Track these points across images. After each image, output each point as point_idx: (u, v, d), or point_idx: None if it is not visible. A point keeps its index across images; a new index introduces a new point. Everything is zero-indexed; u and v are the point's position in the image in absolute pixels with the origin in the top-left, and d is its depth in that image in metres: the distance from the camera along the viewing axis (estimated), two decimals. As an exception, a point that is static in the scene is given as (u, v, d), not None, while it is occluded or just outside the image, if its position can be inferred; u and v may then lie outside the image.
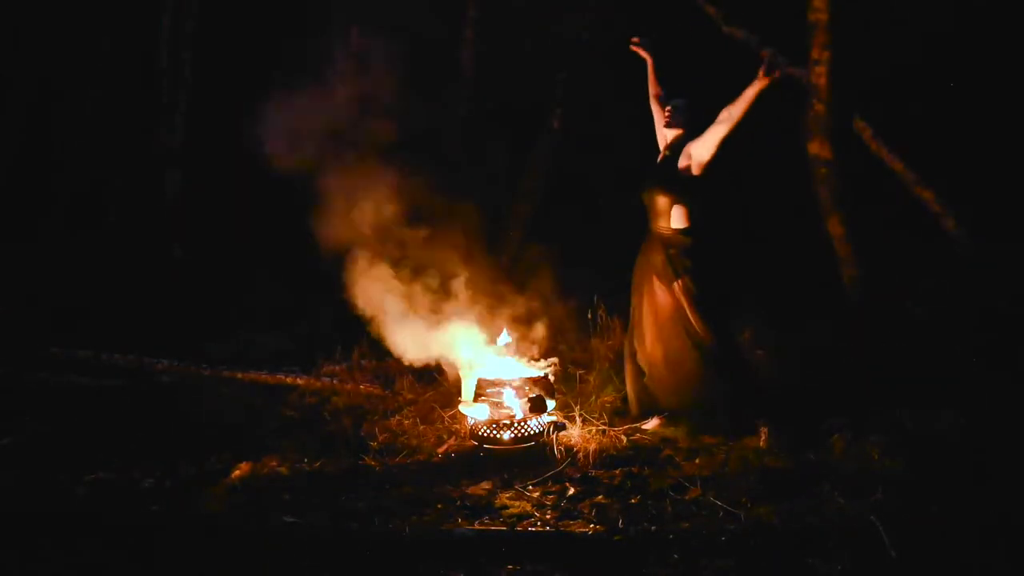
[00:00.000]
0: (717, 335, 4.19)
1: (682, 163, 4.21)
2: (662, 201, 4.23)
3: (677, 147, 4.30)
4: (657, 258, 4.28)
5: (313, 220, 5.78)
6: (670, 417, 4.31)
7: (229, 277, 8.30)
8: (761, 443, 4.01)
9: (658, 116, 4.50)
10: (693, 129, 4.25)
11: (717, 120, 4.10)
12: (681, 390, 4.28)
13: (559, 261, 6.84)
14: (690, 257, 4.19)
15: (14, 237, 8.49)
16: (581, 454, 4.07)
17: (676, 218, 4.22)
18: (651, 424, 4.33)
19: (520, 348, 4.78)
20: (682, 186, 4.21)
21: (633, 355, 4.46)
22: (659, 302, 4.28)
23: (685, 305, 4.18)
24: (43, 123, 9.32)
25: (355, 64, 9.25)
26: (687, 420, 4.25)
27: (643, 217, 4.41)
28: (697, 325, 4.17)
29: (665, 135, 4.41)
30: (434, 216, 5.50)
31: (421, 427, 4.54)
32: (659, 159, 4.43)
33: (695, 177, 4.18)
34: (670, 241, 4.24)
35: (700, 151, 4.14)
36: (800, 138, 7.33)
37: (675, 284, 4.20)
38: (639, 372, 4.44)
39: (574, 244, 7.92)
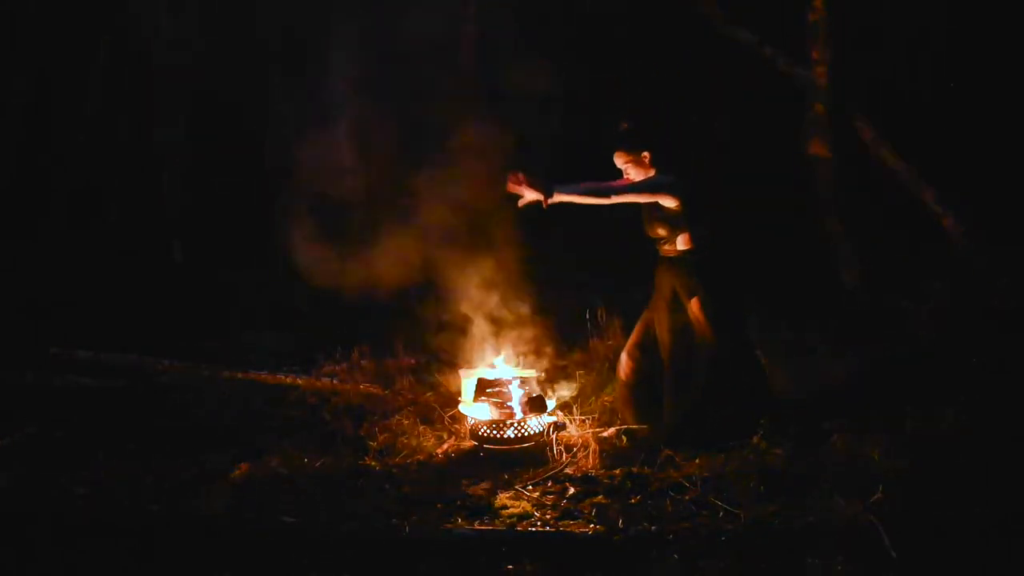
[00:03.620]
0: (733, 345, 4.17)
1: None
2: (664, 231, 4.21)
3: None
4: (667, 282, 4.27)
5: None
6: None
7: (229, 277, 8.30)
8: (761, 443, 4.01)
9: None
10: (660, 163, 4.22)
11: (617, 189, 4.08)
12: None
13: (558, 260, 6.85)
14: (700, 274, 4.17)
15: (14, 236, 8.50)
16: (581, 454, 4.07)
17: (681, 242, 4.20)
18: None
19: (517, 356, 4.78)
20: (674, 216, 4.18)
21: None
22: (672, 323, 4.25)
23: (701, 322, 4.14)
24: (43, 122, 9.32)
25: (356, 63, 9.27)
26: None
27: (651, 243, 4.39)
28: (712, 340, 4.13)
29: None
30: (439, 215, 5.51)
31: (421, 427, 4.54)
32: None
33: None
34: (678, 263, 4.22)
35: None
36: (800, 138, 7.35)
37: (690, 303, 4.18)
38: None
39: (574, 243, 7.93)
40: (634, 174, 4.24)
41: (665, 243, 4.26)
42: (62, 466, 4.01)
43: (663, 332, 4.27)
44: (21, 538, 3.25)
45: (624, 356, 4.45)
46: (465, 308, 5.09)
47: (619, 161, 4.25)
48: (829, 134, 7.11)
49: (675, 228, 4.18)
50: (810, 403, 4.52)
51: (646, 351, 4.38)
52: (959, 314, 5.87)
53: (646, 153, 4.20)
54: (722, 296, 4.17)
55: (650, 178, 4.16)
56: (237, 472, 3.94)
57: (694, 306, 4.15)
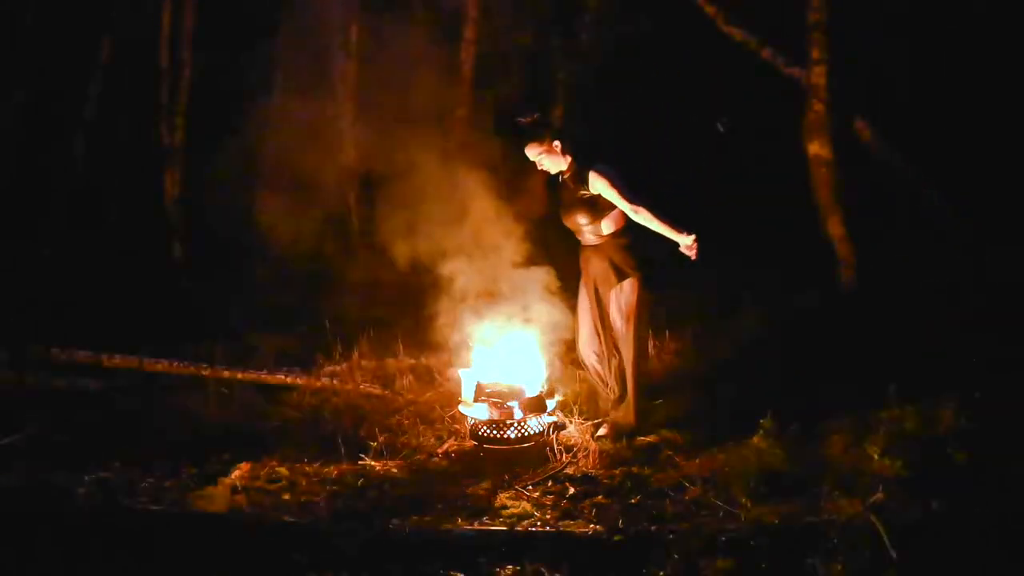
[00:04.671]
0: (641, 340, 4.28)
1: (589, 189, 4.21)
2: (585, 219, 4.24)
3: (573, 174, 4.28)
4: (599, 266, 4.31)
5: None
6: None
7: (229, 277, 8.30)
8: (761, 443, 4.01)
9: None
10: (573, 151, 4.25)
11: (629, 199, 4.09)
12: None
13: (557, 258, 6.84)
14: (632, 255, 4.24)
15: (14, 236, 8.49)
16: (581, 454, 4.07)
17: (606, 227, 4.25)
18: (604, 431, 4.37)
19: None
20: (596, 202, 4.21)
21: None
22: (607, 306, 4.34)
23: (636, 303, 4.22)
24: (43, 123, 9.33)
25: (355, 63, 9.28)
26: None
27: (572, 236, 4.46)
28: (634, 324, 4.24)
29: (551, 171, 4.37)
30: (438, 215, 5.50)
31: (421, 427, 4.54)
32: (561, 184, 4.38)
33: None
34: (607, 248, 4.27)
35: (599, 190, 4.17)
36: (800, 138, 7.34)
37: (623, 283, 4.23)
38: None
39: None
40: (548, 164, 4.28)
41: (588, 231, 4.29)
42: (62, 466, 4.01)
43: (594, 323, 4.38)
44: (21, 538, 3.25)
45: (592, 352, 4.47)
46: (466, 307, 5.08)
47: (532, 153, 4.27)
48: (829, 134, 7.10)
49: (597, 212, 4.21)
50: (810, 403, 4.52)
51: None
52: (959, 313, 5.87)
53: (556, 142, 4.23)
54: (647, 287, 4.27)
55: (612, 179, 4.15)
56: (237, 472, 3.94)
57: (626, 287, 4.22)
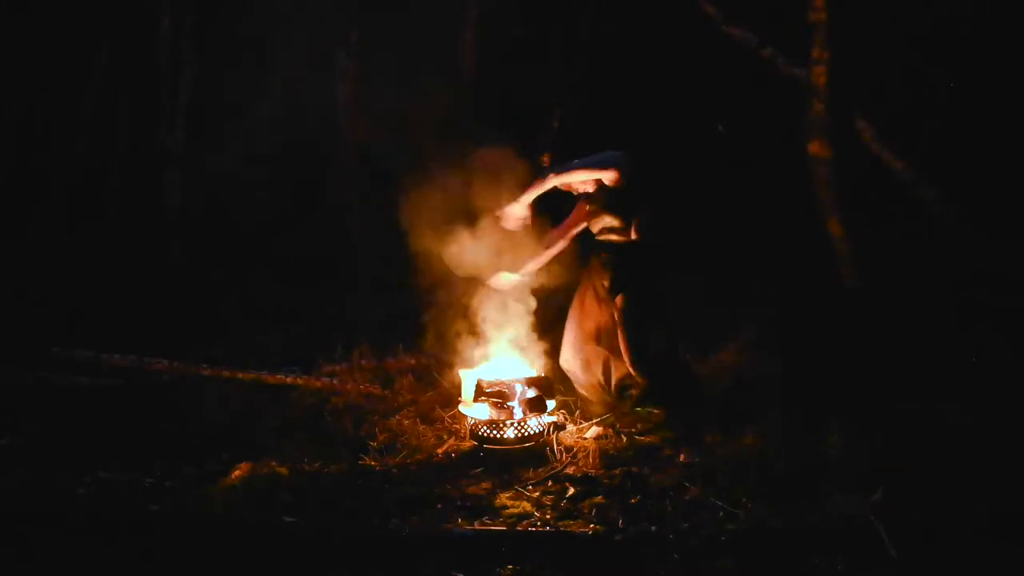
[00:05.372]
0: (640, 352, 4.25)
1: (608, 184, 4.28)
2: (613, 219, 4.28)
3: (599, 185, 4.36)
4: (605, 275, 4.34)
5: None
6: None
7: (229, 276, 8.31)
8: (756, 442, 4.01)
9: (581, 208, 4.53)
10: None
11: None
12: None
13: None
14: (632, 271, 4.24)
15: (14, 236, 8.50)
16: (581, 454, 4.07)
17: (633, 231, 4.27)
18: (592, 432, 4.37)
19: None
20: (623, 202, 4.27)
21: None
22: (601, 315, 4.39)
23: (617, 321, 4.25)
24: (42, 122, 9.33)
25: (355, 64, 9.28)
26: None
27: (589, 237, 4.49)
28: (622, 341, 4.24)
29: (579, 189, 4.44)
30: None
31: (421, 427, 4.54)
32: (591, 197, 4.45)
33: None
34: (618, 253, 4.29)
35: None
36: (800, 138, 7.34)
37: (616, 300, 4.25)
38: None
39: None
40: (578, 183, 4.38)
41: (616, 232, 4.31)
42: (62, 466, 4.01)
43: (588, 329, 4.43)
44: (21, 538, 3.25)
45: (580, 359, 4.50)
46: (466, 307, 5.08)
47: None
48: (829, 134, 7.10)
49: (626, 215, 4.24)
50: (810, 402, 4.52)
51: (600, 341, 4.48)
52: (959, 312, 5.87)
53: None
54: (645, 301, 4.26)
55: (597, 155, 4.21)
56: (237, 472, 3.94)
57: (625, 298, 4.24)
